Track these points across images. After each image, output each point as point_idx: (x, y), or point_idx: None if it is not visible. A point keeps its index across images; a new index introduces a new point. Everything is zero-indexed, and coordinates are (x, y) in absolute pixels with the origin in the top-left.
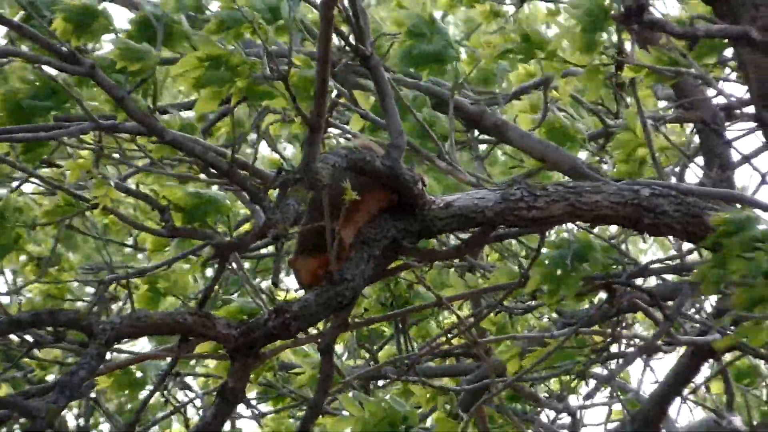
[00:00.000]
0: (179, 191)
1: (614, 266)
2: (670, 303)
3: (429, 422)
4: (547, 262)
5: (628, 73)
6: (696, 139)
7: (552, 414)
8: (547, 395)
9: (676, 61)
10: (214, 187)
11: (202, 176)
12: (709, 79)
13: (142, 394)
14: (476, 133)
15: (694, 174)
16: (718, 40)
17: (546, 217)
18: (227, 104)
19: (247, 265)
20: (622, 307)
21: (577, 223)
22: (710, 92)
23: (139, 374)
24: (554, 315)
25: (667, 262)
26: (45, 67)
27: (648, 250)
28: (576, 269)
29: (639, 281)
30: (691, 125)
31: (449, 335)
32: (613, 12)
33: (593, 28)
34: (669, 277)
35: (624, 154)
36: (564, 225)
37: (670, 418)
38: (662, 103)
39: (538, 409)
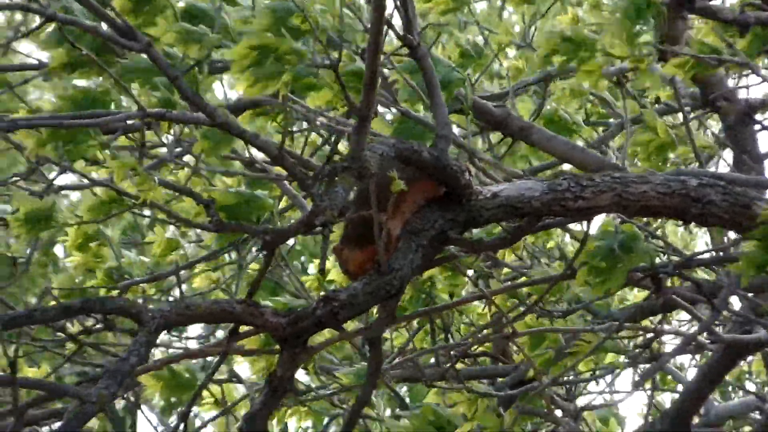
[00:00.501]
0: (221, 191)
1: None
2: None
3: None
4: (592, 254)
5: (672, 63)
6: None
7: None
8: (558, 395)
9: (718, 50)
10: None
11: (247, 171)
12: (755, 67)
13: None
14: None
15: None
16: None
17: (592, 207)
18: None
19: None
20: (666, 301)
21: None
22: (736, 87)
23: (186, 375)
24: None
25: (713, 252)
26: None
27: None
28: (621, 260)
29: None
30: (717, 122)
31: (485, 330)
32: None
33: (636, 18)
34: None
35: (646, 152)
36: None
37: (710, 399)
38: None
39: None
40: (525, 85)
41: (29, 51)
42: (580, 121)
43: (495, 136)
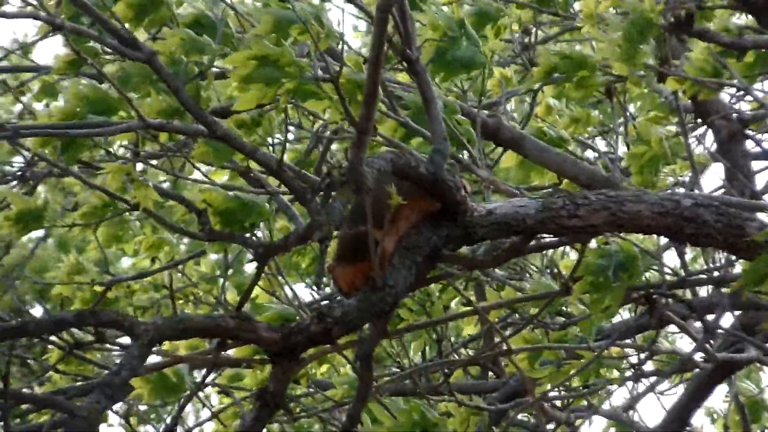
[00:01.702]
0: (218, 194)
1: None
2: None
3: None
4: (589, 271)
5: (671, 83)
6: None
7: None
8: (551, 405)
9: (718, 71)
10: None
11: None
12: (751, 91)
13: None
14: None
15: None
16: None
17: (587, 226)
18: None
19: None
20: (662, 319)
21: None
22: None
23: (174, 379)
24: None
25: (706, 274)
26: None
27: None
28: (619, 279)
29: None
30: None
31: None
32: (662, 22)
33: (637, 39)
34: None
35: (638, 164)
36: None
37: None
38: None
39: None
40: (514, 95)
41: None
42: (566, 136)
43: (487, 145)
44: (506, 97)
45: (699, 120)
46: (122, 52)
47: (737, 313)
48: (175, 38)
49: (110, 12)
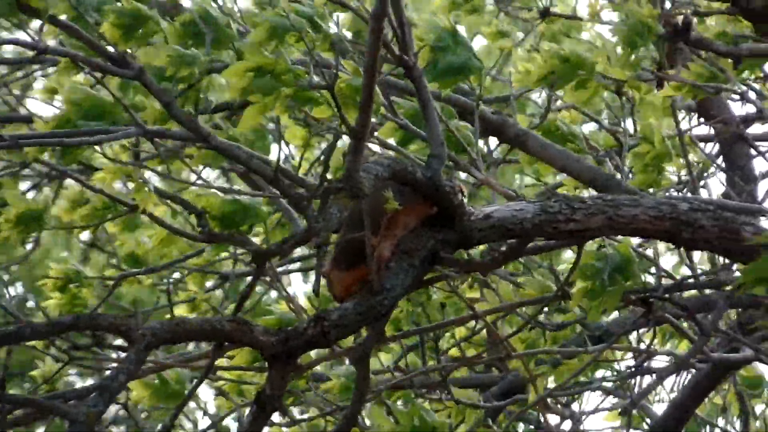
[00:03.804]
0: (216, 198)
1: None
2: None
3: None
4: (586, 275)
5: (670, 89)
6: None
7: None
8: (552, 401)
9: (715, 76)
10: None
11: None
12: (748, 96)
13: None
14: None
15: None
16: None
17: (584, 230)
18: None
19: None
20: (658, 321)
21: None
22: (731, 104)
23: (176, 385)
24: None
25: (703, 277)
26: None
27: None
28: (615, 282)
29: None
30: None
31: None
32: (660, 29)
33: (634, 44)
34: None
35: (641, 164)
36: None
37: None
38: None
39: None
40: (528, 90)
41: None
42: (577, 132)
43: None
44: (517, 96)
45: (702, 120)
46: (111, 71)
47: (733, 311)
48: (162, 55)
49: (98, 33)
